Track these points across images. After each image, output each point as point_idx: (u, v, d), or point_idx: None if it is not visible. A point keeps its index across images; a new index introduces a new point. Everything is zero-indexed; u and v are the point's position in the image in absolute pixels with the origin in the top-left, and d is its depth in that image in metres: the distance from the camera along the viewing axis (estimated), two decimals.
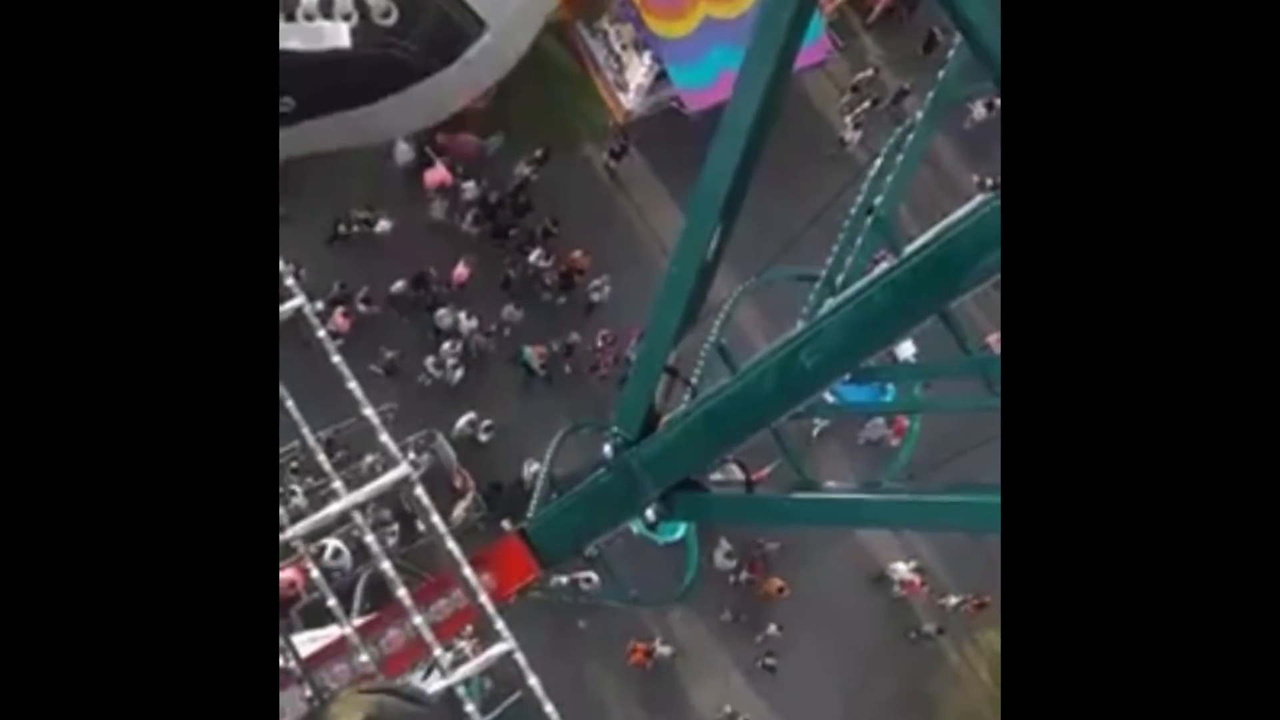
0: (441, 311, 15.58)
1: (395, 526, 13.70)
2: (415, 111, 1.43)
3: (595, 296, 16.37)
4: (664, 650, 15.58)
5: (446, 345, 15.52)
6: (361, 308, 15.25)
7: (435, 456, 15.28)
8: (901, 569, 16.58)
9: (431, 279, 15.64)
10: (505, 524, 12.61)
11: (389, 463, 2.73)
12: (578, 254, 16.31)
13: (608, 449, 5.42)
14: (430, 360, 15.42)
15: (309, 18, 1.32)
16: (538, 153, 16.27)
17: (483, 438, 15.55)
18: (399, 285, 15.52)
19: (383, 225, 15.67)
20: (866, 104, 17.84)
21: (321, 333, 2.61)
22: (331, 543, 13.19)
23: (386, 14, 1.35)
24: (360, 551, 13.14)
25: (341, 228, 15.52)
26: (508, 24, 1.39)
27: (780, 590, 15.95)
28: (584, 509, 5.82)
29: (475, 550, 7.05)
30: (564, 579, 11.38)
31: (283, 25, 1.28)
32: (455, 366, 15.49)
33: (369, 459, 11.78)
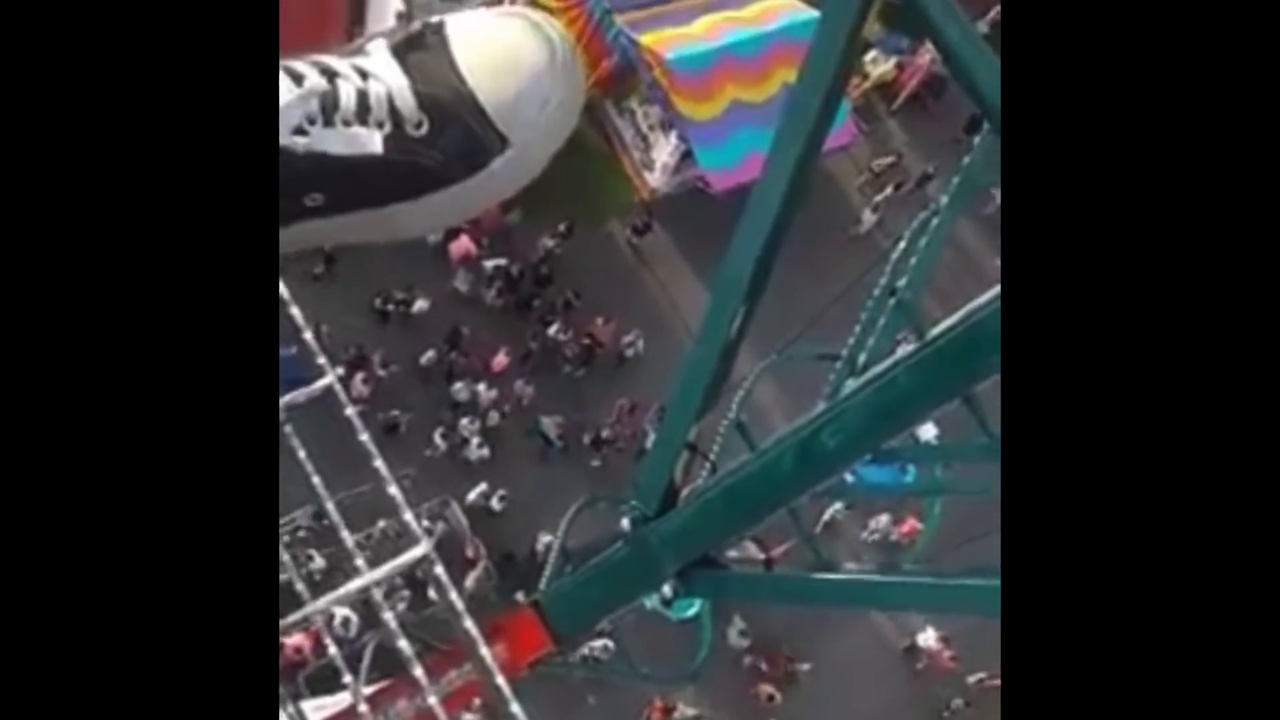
0: (459, 385, 15.68)
1: (405, 592, 13.62)
2: (437, 215, 1.52)
3: (629, 353, 16.46)
4: (687, 712, 15.23)
5: (465, 420, 15.57)
6: (380, 372, 15.35)
7: (448, 524, 15.23)
8: (927, 636, 16.26)
9: (454, 354, 15.80)
10: (519, 596, 12.50)
11: (407, 536, 2.70)
12: (599, 322, 16.42)
13: (625, 523, 5.40)
14: (439, 432, 15.42)
15: (346, 124, 1.38)
16: (561, 227, 16.47)
17: (496, 506, 15.51)
18: (428, 356, 15.64)
19: (420, 305, 15.93)
20: (889, 190, 18.03)
21: (350, 411, 2.62)
22: (340, 611, 13.10)
23: (419, 125, 1.41)
24: (369, 618, 13.05)
25: (378, 302, 15.75)
26: (530, 141, 1.45)
27: (771, 699, 15.54)
28: (600, 583, 5.78)
29: (488, 621, 7.01)
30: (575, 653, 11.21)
31: (322, 130, 1.36)
32: (479, 445, 15.54)
33: (381, 524, 11.77)
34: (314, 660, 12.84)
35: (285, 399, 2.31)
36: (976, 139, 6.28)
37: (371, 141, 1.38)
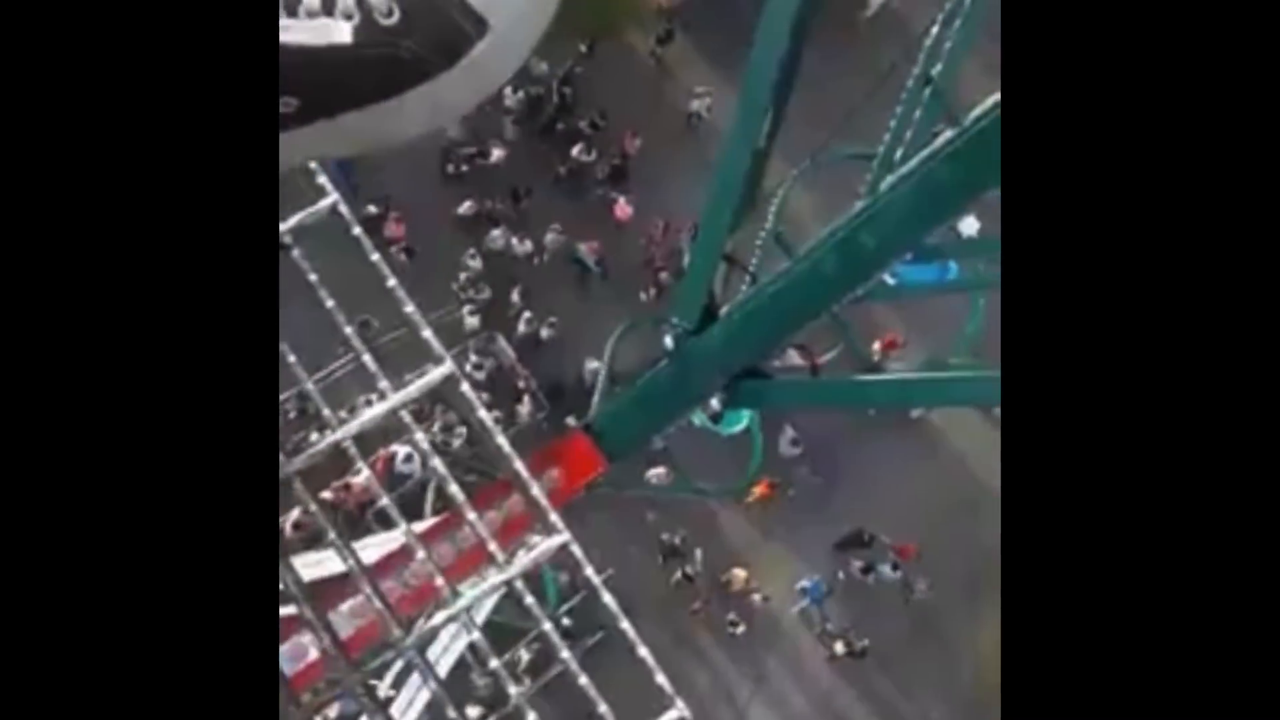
0: (495, 233, 15.53)
1: (463, 429, 13.94)
2: (422, 114, 1.40)
3: (697, 116, 16.21)
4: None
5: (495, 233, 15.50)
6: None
7: (496, 359, 15.41)
8: None
9: (491, 204, 15.58)
10: (570, 421, 12.72)
11: (435, 361, 2.69)
12: (628, 136, 16.11)
13: (668, 341, 5.39)
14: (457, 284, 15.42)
15: (311, 14, 1.29)
16: (582, 47, 15.94)
17: (544, 334, 15.62)
18: (466, 206, 15.47)
19: (496, 154, 15.68)
20: None
21: (357, 230, 2.58)
22: (401, 449, 13.46)
23: (389, 14, 1.31)
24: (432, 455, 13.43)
25: (450, 168, 15.53)
26: (511, 24, 1.35)
27: (749, 582, 15.60)
28: (648, 402, 5.83)
29: (544, 446, 7.14)
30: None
31: (286, 20, 1.27)
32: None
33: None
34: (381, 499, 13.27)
35: (291, 221, 2.27)
36: None
37: (340, 32, 1.29)
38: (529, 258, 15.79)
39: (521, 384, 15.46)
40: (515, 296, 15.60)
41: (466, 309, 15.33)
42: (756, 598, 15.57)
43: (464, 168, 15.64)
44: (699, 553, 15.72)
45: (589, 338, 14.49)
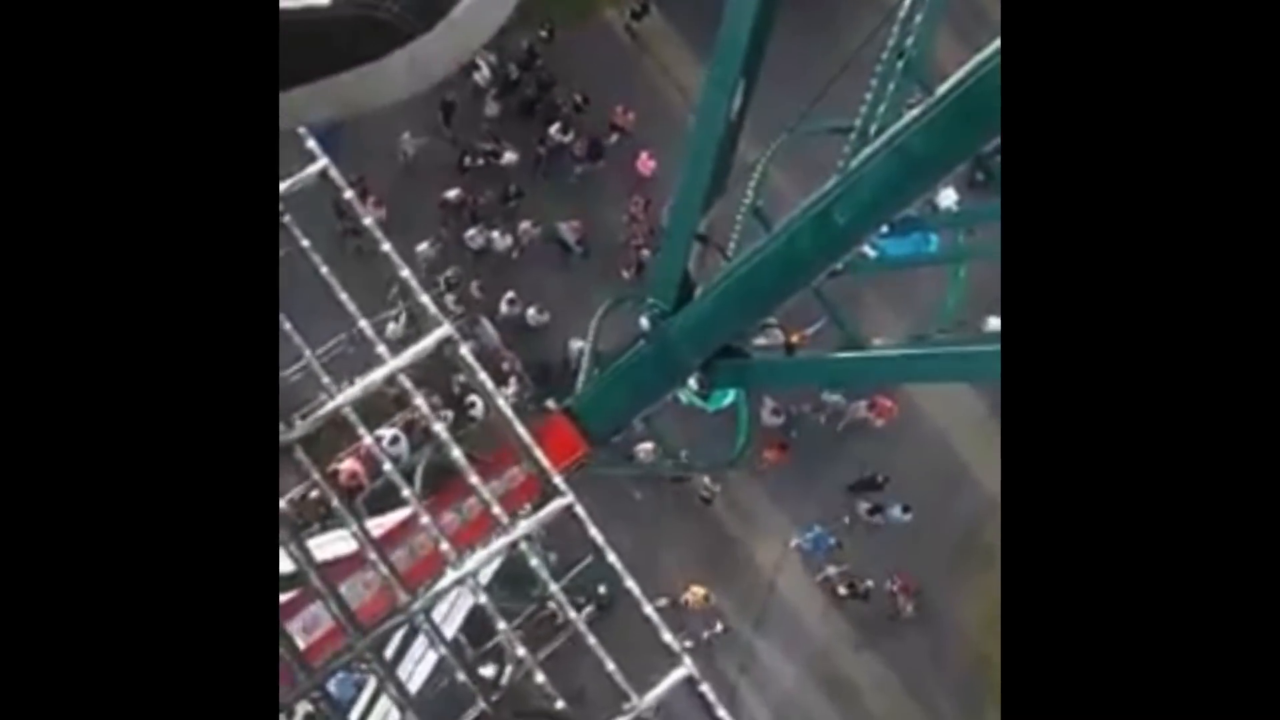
0: (471, 231, 15.40)
1: (447, 413, 13.91)
2: (400, 77, 1.37)
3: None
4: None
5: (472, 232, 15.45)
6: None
7: (479, 341, 15.37)
8: None
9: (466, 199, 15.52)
10: (550, 404, 12.75)
11: (431, 325, 2.66)
12: (619, 110, 16.03)
13: (644, 321, 5.36)
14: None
15: None
16: (542, 32, 15.83)
17: (535, 320, 15.59)
18: (453, 193, 15.36)
19: (509, 157, 15.60)
20: None
21: (349, 194, 2.56)
22: (388, 431, 13.44)
23: None
24: (417, 437, 13.41)
25: (468, 159, 15.45)
26: None
27: (706, 599, 15.49)
28: (626, 383, 5.80)
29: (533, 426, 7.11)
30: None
31: None
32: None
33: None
34: (369, 484, 13.26)
35: (281, 186, 2.25)
36: None
37: None
38: (508, 251, 15.69)
39: (506, 365, 15.43)
40: (474, 290, 15.53)
41: (445, 291, 15.30)
42: (719, 626, 15.46)
43: (479, 162, 15.56)
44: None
45: (573, 317, 14.46)
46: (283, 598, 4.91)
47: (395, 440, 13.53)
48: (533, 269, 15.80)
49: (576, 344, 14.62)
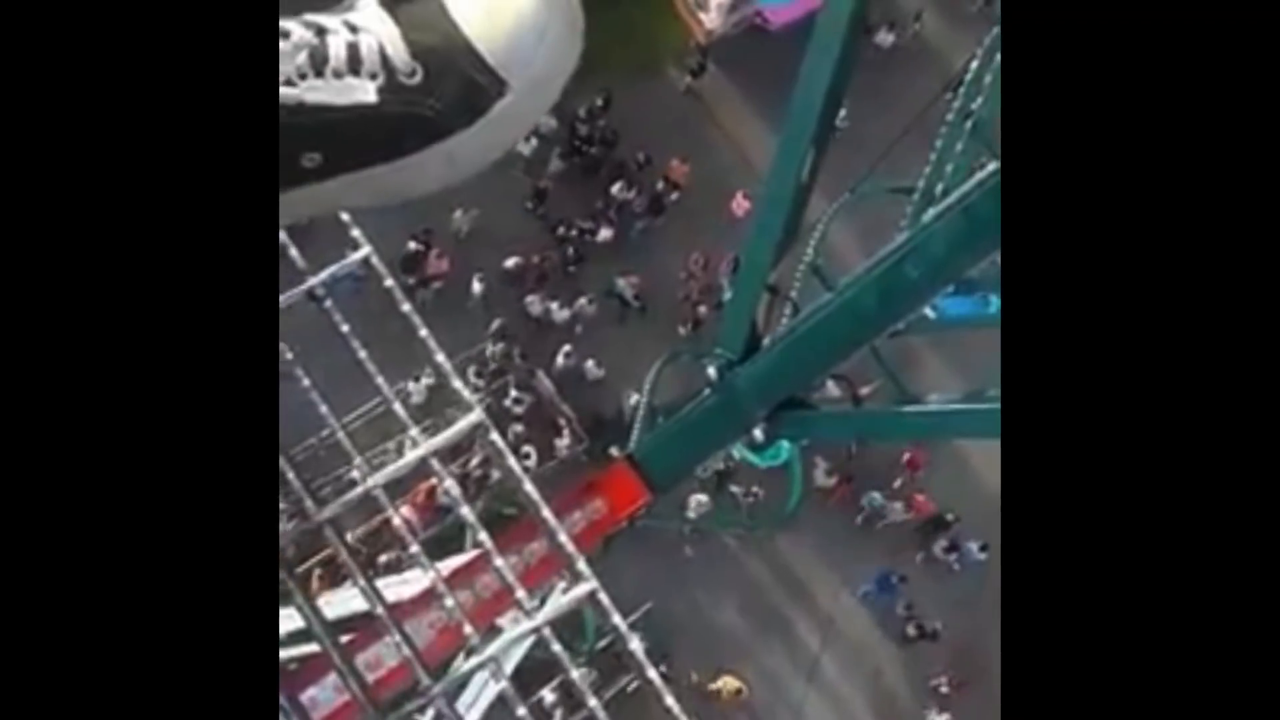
0: (531, 299, 15.54)
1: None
2: (438, 169, 1.44)
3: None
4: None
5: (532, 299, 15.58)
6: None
7: (536, 394, 15.51)
8: None
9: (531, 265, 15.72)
10: (614, 452, 12.79)
11: (465, 408, 2.71)
12: (675, 163, 16.22)
13: (711, 371, 5.44)
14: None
15: (338, 75, 1.35)
16: (599, 101, 16.11)
17: (591, 374, 15.69)
18: (512, 262, 15.54)
19: (604, 234, 15.87)
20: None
21: (389, 282, 2.62)
22: (447, 483, 13.54)
23: (412, 74, 1.37)
24: (473, 486, 13.52)
25: (560, 230, 15.80)
26: (530, 81, 1.40)
27: (738, 693, 15.27)
28: (691, 432, 5.87)
29: (586, 478, 7.19)
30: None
31: (313, 82, 1.34)
32: (560, 307, 15.65)
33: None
34: (422, 531, 13.35)
35: (324, 273, 2.34)
36: None
37: (365, 91, 1.34)
38: (568, 326, 15.81)
39: (561, 419, 15.54)
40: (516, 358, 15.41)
41: (495, 342, 15.46)
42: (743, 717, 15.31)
43: (572, 231, 15.85)
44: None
45: (628, 371, 14.55)
46: (349, 637, 4.94)
47: (448, 493, 13.65)
48: (590, 323, 15.97)
49: (632, 397, 14.71)
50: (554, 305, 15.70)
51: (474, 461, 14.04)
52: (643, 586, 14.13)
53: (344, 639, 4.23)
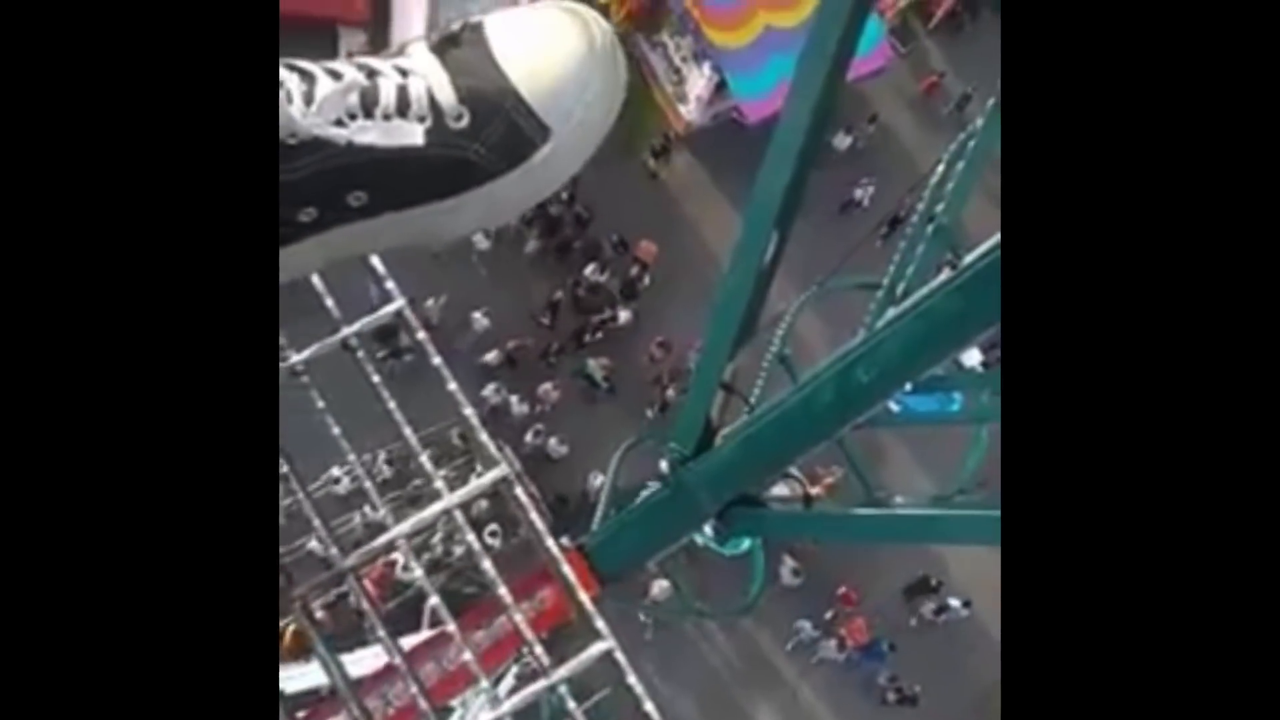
0: (490, 388, 15.43)
1: (471, 538, 13.84)
2: (483, 211, 1.48)
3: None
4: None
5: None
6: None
7: None
8: None
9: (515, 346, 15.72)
10: (565, 540, 12.68)
11: (487, 464, 2.72)
12: (644, 243, 16.35)
13: (663, 464, 5.38)
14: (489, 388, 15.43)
15: (386, 117, 1.38)
16: (583, 211, 16.31)
17: (556, 452, 15.61)
18: (492, 356, 15.49)
19: (624, 316, 16.03)
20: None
21: (422, 334, 2.66)
22: (401, 557, 13.37)
23: (459, 118, 1.40)
24: (432, 565, 13.32)
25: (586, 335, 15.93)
26: (572, 130, 1.44)
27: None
28: (642, 525, 5.78)
29: (534, 567, 7.07)
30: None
31: (362, 123, 1.36)
32: (520, 401, 15.58)
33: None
34: (381, 605, 13.10)
35: (357, 325, 2.35)
36: None
37: (412, 134, 1.37)
38: (526, 420, 15.70)
39: (525, 498, 15.40)
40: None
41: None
42: None
43: (594, 320, 16.00)
44: None
45: (595, 452, 14.50)
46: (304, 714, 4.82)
47: (408, 567, 13.46)
48: (559, 402, 15.95)
49: (597, 478, 14.61)
50: (514, 399, 15.60)
51: (436, 539, 13.88)
52: (599, 673, 13.87)
53: (300, 715, 4.11)
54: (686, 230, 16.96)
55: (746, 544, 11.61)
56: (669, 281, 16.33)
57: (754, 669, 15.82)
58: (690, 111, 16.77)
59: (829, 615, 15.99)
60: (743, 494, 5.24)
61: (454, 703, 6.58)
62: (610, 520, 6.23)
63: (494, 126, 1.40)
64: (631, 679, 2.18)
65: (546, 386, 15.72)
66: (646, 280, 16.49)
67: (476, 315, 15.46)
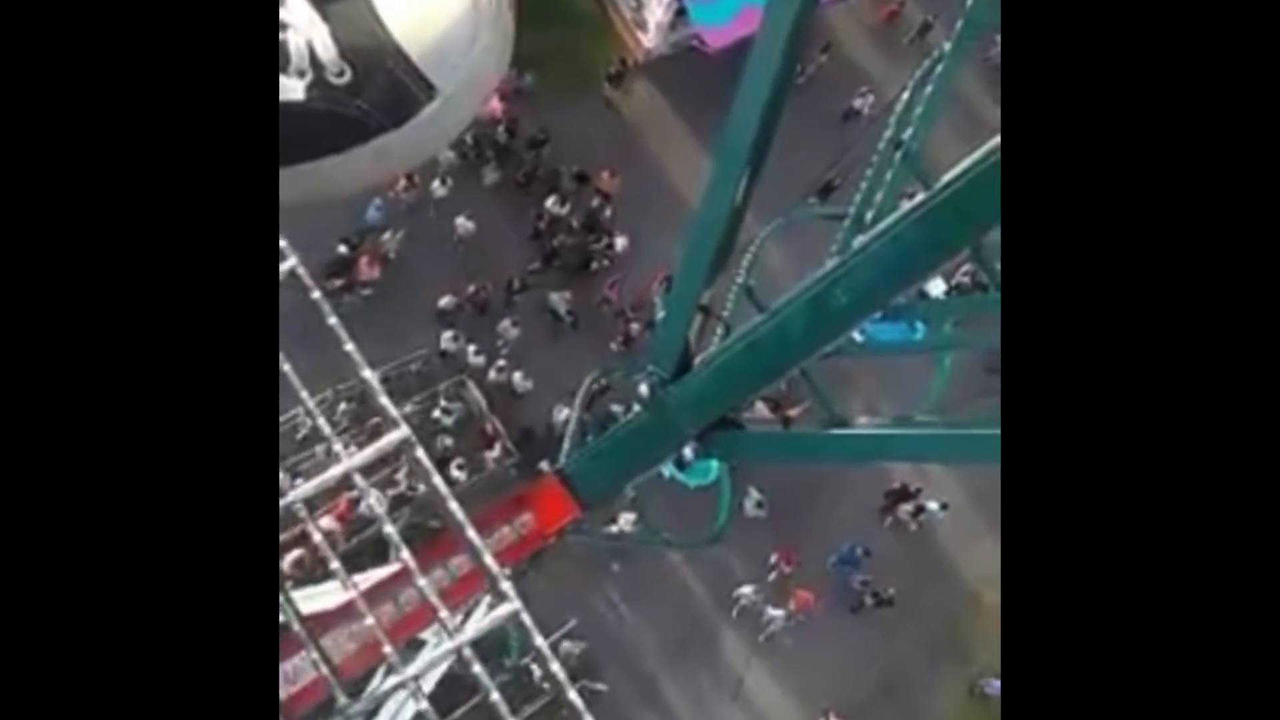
0: (448, 334, 15.40)
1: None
2: (369, 168, 1.45)
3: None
4: None
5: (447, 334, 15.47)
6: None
7: (465, 405, 15.42)
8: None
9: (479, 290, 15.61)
10: (543, 466, 12.76)
11: (389, 424, 2.70)
12: (605, 175, 16.24)
13: (643, 388, 5.48)
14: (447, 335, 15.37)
15: None
16: (539, 134, 16.12)
17: (520, 386, 15.62)
18: (446, 300, 15.41)
19: (621, 242, 15.86)
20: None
21: (316, 294, 2.61)
22: (372, 493, 13.39)
23: (341, 74, 1.38)
24: (397, 499, 13.37)
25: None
26: (457, 91, 1.42)
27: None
28: (622, 449, 5.90)
29: (516, 491, 7.17)
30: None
31: None
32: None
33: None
34: (345, 541, 13.16)
35: None
36: None
37: (292, 90, 1.35)
38: (483, 369, 15.64)
39: (490, 430, 15.46)
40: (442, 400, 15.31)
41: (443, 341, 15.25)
42: None
43: (599, 244, 15.95)
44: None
45: (559, 386, 14.55)
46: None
47: (378, 502, 13.52)
48: (522, 336, 15.93)
49: (562, 412, 14.70)
50: (471, 348, 15.53)
51: (401, 474, 13.89)
52: (569, 601, 14.11)
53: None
54: (648, 161, 16.88)
55: (714, 473, 11.77)
56: (636, 212, 16.29)
57: (721, 598, 16.11)
58: (650, 38, 16.62)
59: (770, 577, 16.20)
60: (722, 416, 5.38)
61: (426, 635, 6.67)
62: (587, 446, 6.35)
63: (377, 83, 1.37)
64: (538, 640, 2.23)
65: (505, 323, 15.68)
66: (609, 212, 16.43)
67: (461, 220, 15.41)
